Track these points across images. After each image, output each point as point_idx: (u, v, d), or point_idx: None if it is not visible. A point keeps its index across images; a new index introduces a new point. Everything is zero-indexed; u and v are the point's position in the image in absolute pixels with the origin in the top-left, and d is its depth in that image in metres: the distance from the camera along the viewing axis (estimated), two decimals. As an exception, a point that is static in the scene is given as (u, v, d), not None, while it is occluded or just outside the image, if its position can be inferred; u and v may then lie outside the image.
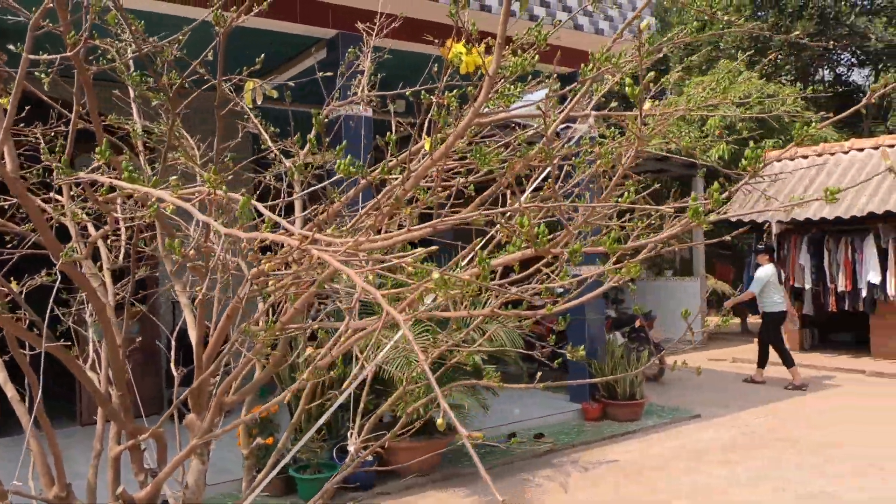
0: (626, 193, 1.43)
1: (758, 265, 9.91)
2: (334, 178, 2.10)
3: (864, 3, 17.30)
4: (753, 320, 16.18)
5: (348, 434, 2.62)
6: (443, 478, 5.92)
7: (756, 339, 10.07)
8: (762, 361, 9.80)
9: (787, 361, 9.54)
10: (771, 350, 9.71)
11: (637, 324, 9.60)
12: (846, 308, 11.17)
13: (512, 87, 1.45)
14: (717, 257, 17.72)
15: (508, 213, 1.65)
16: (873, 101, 1.17)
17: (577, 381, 2.45)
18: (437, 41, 1.57)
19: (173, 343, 2.84)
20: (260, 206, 1.06)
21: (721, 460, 6.21)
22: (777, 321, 9.69)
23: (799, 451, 6.43)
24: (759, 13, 17.69)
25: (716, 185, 1.11)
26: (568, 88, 1.63)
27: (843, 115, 1.54)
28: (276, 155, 2.54)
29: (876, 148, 11.41)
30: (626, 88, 1.21)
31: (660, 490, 5.50)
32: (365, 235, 1.32)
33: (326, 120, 2.47)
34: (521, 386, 2.24)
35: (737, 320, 16.04)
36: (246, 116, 2.64)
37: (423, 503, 5.42)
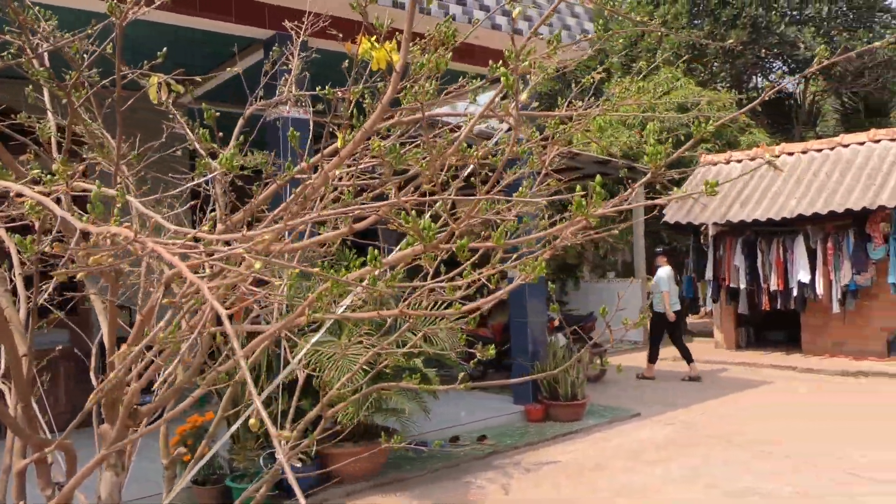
0: (521, 190, 1.43)
1: (658, 266, 10.52)
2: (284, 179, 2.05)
3: (794, 13, 17.96)
4: (693, 320, 16.62)
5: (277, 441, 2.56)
6: (385, 483, 5.87)
7: (674, 339, 10.46)
8: (686, 357, 10.30)
9: (652, 357, 10.34)
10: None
11: (556, 322, 9.67)
12: (779, 307, 11.56)
13: (427, 84, 1.44)
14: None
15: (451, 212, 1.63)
16: (768, 97, 1.20)
17: (503, 382, 2.44)
18: (340, 37, 1.54)
19: (94, 350, 2.74)
20: (134, 200, 1.02)
21: (658, 459, 6.32)
22: (668, 320, 10.27)
23: (731, 447, 6.60)
24: (696, 21, 18.20)
25: (598, 178, 1.11)
26: (480, 83, 1.62)
27: (742, 111, 1.58)
28: (202, 155, 2.47)
29: (804, 152, 11.84)
30: (503, 78, 1.20)
31: (599, 489, 5.56)
32: (275, 233, 1.28)
33: (248, 119, 2.42)
34: (443, 388, 2.22)
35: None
36: (171, 115, 2.56)
37: (364, 509, 5.36)
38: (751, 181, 11.94)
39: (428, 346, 5.70)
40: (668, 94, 13.96)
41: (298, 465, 4.27)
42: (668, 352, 12.63)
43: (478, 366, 10.61)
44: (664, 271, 10.36)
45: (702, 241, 12.69)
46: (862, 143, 11.27)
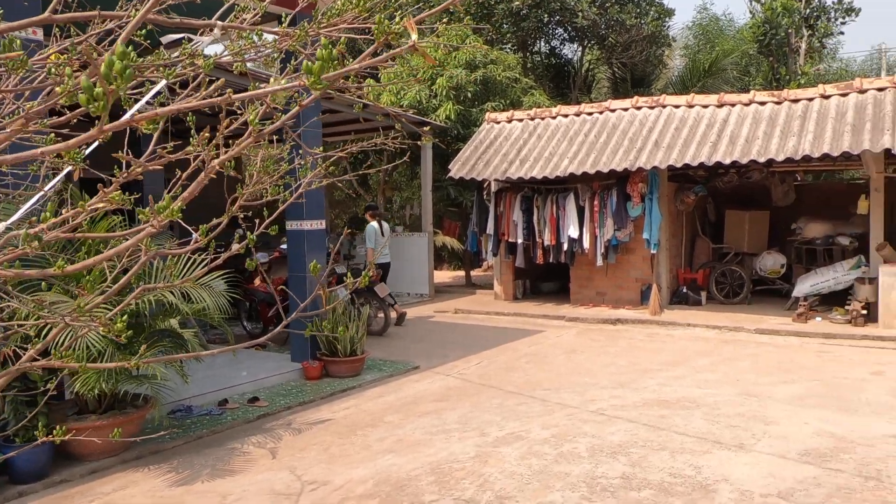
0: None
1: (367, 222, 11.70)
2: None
3: (574, -19, 18.90)
4: (477, 273, 17.29)
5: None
6: (138, 456, 5.32)
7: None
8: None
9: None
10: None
11: (273, 284, 8.86)
12: (552, 260, 12.30)
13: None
14: (446, 214, 18.55)
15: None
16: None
17: (264, 338, 2.13)
18: None
19: None
20: None
21: (433, 410, 6.40)
22: (383, 271, 11.62)
23: (502, 395, 6.87)
24: (485, -19, 18.52)
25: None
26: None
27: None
28: None
29: (578, 115, 12.57)
30: None
31: (369, 445, 5.47)
32: None
33: None
34: (197, 354, 1.87)
35: (461, 273, 17.00)
36: None
37: (109, 487, 4.79)
38: (530, 140, 12.47)
39: (186, 306, 5.18)
40: (456, 50, 14.07)
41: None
42: (451, 304, 13.01)
43: (257, 324, 10.13)
44: (370, 227, 11.46)
45: (485, 197, 13.08)
46: (626, 109, 12.18)
